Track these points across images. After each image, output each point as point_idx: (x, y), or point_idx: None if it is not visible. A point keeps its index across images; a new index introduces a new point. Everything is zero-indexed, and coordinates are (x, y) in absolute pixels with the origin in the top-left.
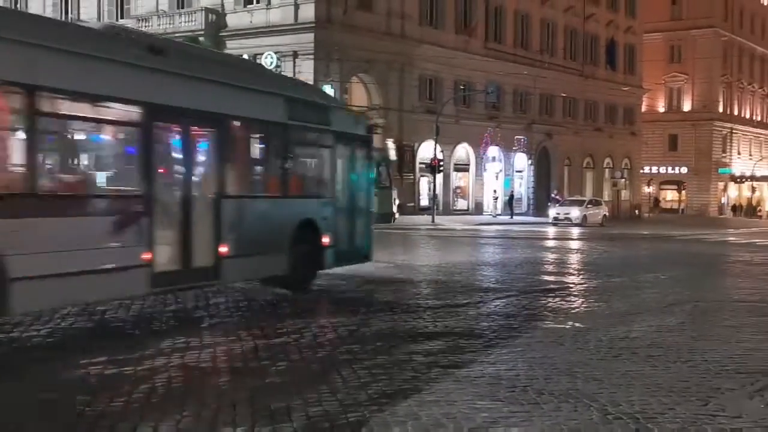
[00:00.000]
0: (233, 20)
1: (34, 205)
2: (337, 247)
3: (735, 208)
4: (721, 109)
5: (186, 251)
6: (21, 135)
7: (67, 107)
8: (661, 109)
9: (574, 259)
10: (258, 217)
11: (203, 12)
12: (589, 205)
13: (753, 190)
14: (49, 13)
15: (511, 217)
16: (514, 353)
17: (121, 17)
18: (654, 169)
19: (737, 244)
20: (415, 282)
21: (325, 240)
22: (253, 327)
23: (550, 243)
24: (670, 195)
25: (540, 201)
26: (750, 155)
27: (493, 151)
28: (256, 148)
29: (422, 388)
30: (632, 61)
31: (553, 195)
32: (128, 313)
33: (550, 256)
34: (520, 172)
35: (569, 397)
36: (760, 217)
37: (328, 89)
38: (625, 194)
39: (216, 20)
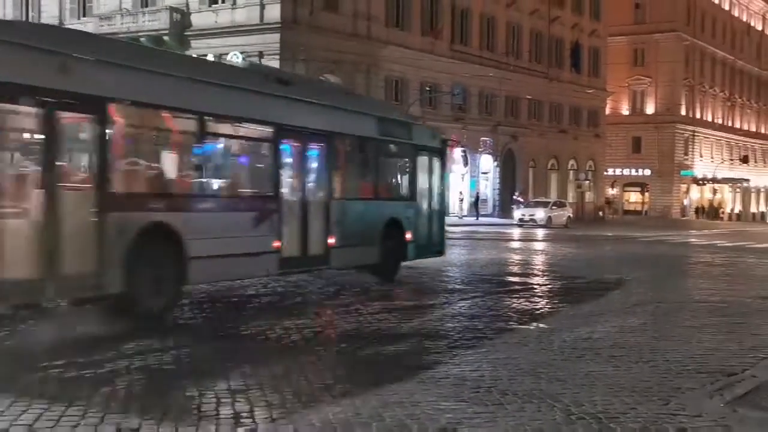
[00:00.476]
0: (198, 20)
1: (203, 204)
2: (417, 242)
3: (698, 210)
4: (683, 112)
5: (304, 241)
6: (194, 151)
7: (224, 129)
8: (625, 112)
9: (539, 260)
10: (357, 216)
11: (168, 11)
12: (553, 207)
13: (714, 192)
14: (9, 11)
15: (477, 219)
16: (479, 354)
17: (83, 15)
18: (618, 171)
19: (699, 246)
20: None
21: (408, 236)
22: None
23: (516, 244)
24: (633, 197)
25: (505, 202)
26: (711, 158)
27: (459, 152)
28: (355, 159)
29: (386, 389)
30: (596, 64)
31: (515, 197)
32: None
33: (515, 257)
34: (485, 173)
35: (533, 398)
36: (722, 219)
37: None
38: (589, 196)
39: (181, 19)
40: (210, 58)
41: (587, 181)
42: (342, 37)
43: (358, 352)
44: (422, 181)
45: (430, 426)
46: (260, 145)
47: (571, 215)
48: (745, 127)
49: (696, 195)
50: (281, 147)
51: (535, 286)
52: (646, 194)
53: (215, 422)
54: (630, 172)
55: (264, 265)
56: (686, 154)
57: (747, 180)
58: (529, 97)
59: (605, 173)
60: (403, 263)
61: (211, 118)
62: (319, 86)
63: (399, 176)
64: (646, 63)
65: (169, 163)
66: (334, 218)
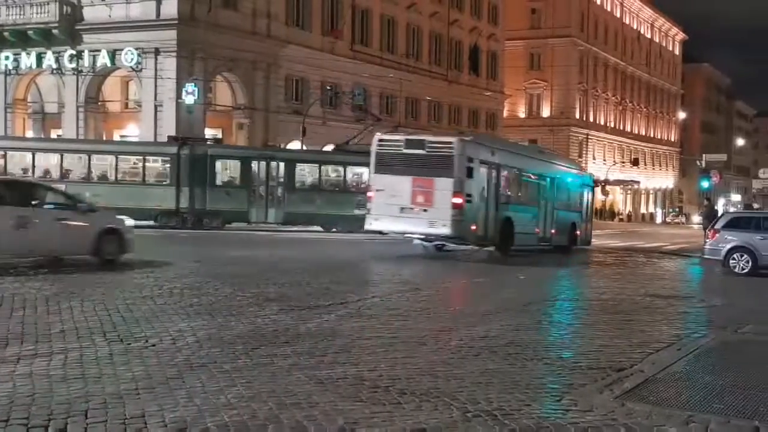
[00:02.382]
0: (90, 13)
1: (521, 207)
2: (580, 236)
3: (596, 211)
4: (577, 116)
5: (545, 229)
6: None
7: (533, 176)
8: (522, 115)
9: (446, 259)
10: (561, 218)
11: (57, 3)
12: None
13: (607, 193)
14: None
15: None
16: (377, 354)
17: None
18: None
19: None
20: (279, 283)
21: (578, 232)
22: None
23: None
24: None
25: None
26: (604, 160)
27: None
28: (559, 188)
29: (284, 390)
30: (494, 67)
31: None
32: None
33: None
34: None
35: (430, 397)
36: (621, 219)
37: (191, 88)
38: None
39: (71, 13)
40: (103, 53)
41: None
42: (241, 35)
43: (255, 353)
44: (583, 200)
45: (327, 427)
46: (540, 181)
47: None
48: (636, 131)
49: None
50: (540, 183)
51: (436, 286)
52: None
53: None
54: None
55: (533, 241)
56: (580, 156)
57: (637, 182)
58: (429, 98)
59: None
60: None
61: (532, 172)
62: (548, 152)
63: (575, 197)
64: (543, 67)
65: (519, 190)
66: (554, 219)
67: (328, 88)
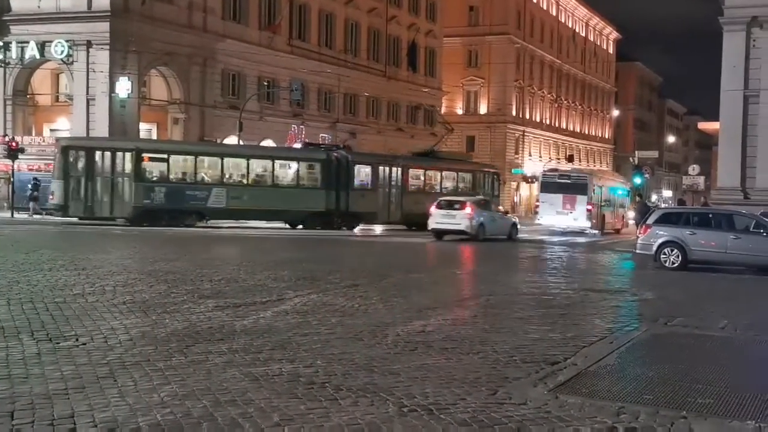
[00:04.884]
0: (18, 4)
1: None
2: (613, 223)
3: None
4: (514, 113)
5: (614, 221)
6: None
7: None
8: (460, 111)
9: (376, 256)
10: (614, 212)
11: None
12: None
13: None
14: None
15: None
16: (313, 350)
17: None
18: None
19: (528, 242)
20: (214, 280)
21: (612, 220)
22: None
23: (357, 239)
24: None
25: None
26: (540, 156)
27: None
28: (613, 194)
29: (219, 388)
30: (432, 63)
31: None
32: None
33: (361, 253)
34: None
35: (367, 392)
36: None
37: (125, 81)
38: None
39: None
40: (32, 45)
41: None
42: (177, 28)
43: (190, 350)
44: (620, 203)
45: (262, 424)
46: (614, 192)
47: None
48: (571, 128)
49: (525, 192)
50: (616, 192)
51: (372, 282)
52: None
53: None
54: None
55: (614, 226)
56: (516, 153)
57: None
58: (367, 94)
59: None
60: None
61: (615, 189)
62: (618, 175)
63: (618, 200)
64: (480, 64)
65: (609, 199)
66: (613, 212)
67: (266, 83)
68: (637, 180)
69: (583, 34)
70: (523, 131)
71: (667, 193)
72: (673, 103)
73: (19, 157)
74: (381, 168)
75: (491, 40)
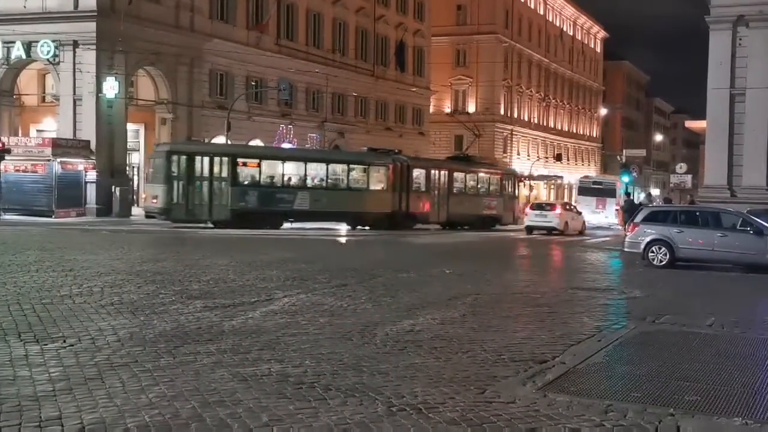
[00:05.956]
0: (4, 4)
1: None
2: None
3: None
4: (502, 112)
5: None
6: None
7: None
8: (448, 110)
9: (360, 255)
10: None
11: None
12: None
13: (531, 188)
14: None
15: None
16: (302, 350)
17: None
18: None
19: (519, 239)
20: (202, 281)
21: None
22: None
23: (343, 240)
24: None
25: None
26: (528, 155)
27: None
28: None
29: (207, 388)
30: (421, 63)
31: None
32: None
33: (347, 250)
34: None
35: (355, 392)
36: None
37: (112, 81)
38: None
39: None
40: (18, 45)
41: None
42: (164, 28)
43: (178, 350)
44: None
45: (251, 424)
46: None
47: None
48: (559, 127)
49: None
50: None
51: (362, 281)
52: None
53: None
54: None
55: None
56: (505, 152)
57: (560, 177)
58: (355, 94)
59: None
60: None
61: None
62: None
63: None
64: (468, 63)
65: (630, 203)
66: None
67: (253, 83)
68: (625, 178)
69: (571, 33)
70: (511, 130)
71: (655, 192)
72: (661, 102)
73: (6, 158)
74: (432, 171)
75: (479, 39)
